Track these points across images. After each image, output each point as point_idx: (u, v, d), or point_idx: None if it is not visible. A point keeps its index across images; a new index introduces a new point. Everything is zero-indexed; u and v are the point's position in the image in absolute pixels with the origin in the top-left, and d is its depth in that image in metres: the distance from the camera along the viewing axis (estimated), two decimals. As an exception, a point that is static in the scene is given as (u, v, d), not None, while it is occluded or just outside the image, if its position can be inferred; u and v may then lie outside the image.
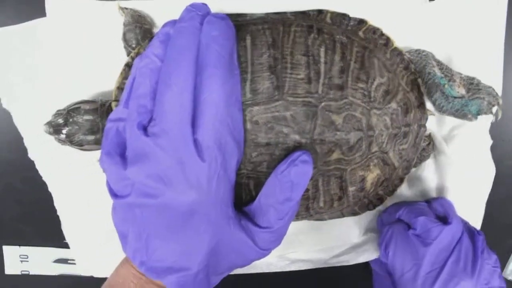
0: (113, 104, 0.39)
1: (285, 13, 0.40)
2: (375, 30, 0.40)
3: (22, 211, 0.50)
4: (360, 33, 0.40)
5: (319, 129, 0.36)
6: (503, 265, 0.52)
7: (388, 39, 0.40)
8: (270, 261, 0.48)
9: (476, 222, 0.47)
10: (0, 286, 0.52)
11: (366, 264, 0.48)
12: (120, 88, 0.39)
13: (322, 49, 0.37)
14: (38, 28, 0.43)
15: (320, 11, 0.40)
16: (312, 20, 0.39)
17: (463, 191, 0.45)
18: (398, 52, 0.40)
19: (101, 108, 0.40)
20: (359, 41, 0.39)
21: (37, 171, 0.47)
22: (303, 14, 0.40)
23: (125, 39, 0.41)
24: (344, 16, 0.40)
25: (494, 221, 0.50)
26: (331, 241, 0.48)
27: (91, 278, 0.50)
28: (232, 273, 0.46)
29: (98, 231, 0.47)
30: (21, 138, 0.46)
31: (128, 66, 0.39)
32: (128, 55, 0.41)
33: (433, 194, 0.47)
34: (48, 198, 0.47)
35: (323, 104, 0.36)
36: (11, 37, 0.43)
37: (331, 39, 0.37)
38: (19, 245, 0.51)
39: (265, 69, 0.35)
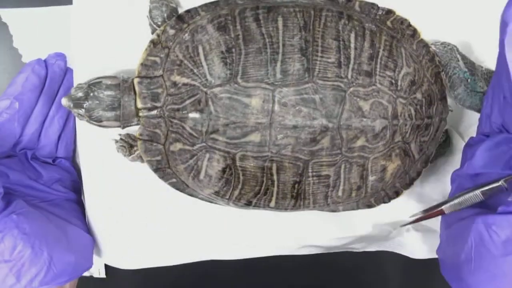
0: (136, 80, 0.38)
1: (313, -2, 0.40)
2: (402, 21, 0.40)
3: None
4: (388, 23, 0.40)
5: (346, 114, 0.36)
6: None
7: (415, 30, 0.40)
8: (280, 244, 0.48)
9: None
10: None
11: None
12: (144, 65, 0.38)
13: (352, 35, 0.37)
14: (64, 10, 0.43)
15: (349, -1, 0.40)
16: (342, 7, 0.39)
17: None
18: (424, 44, 0.40)
19: (123, 84, 0.39)
20: (387, 30, 0.39)
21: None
22: (332, 0, 0.39)
23: (150, 16, 0.40)
24: (372, 5, 0.40)
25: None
26: (342, 232, 0.48)
27: (91, 278, 0.49)
28: (240, 256, 0.47)
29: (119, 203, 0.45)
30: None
31: (153, 43, 0.38)
32: (153, 32, 0.41)
33: (448, 190, 0.47)
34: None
35: (351, 89, 0.36)
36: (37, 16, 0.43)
37: (361, 26, 0.37)
38: None
39: (296, 50, 0.35)
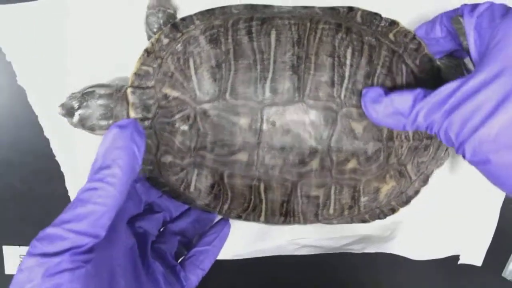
0: (129, 90, 0.38)
1: (313, 7, 0.38)
2: (406, 33, 0.38)
3: (22, 211, 0.49)
4: (391, 35, 0.37)
5: (337, 136, 0.34)
6: (502, 266, 0.51)
7: (419, 44, 0.38)
8: (280, 244, 0.47)
9: (491, 223, 0.47)
10: (0, 286, 0.52)
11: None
12: (137, 75, 0.38)
13: (349, 51, 0.35)
14: (59, 5, 0.42)
15: (350, 8, 0.38)
16: (342, 18, 0.37)
17: (479, 195, 0.46)
18: (428, 59, 0.38)
19: (116, 93, 0.39)
20: (388, 44, 0.37)
21: (37, 171, 0.47)
22: (332, 10, 0.38)
23: (147, 23, 0.39)
24: (375, 15, 0.37)
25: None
26: (341, 232, 0.48)
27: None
28: (240, 256, 0.47)
29: None
30: (22, 138, 0.45)
31: (147, 52, 0.38)
32: (148, 39, 0.40)
33: (449, 197, 0.47)
34: (48, 198, 0.47)
35: (344, 110, 0.34)
36: (28, 14, 0.42)
37: (359, 40, 0.35)
38: (19, 245, 0.50)
39: (287, 68, 0.34)
